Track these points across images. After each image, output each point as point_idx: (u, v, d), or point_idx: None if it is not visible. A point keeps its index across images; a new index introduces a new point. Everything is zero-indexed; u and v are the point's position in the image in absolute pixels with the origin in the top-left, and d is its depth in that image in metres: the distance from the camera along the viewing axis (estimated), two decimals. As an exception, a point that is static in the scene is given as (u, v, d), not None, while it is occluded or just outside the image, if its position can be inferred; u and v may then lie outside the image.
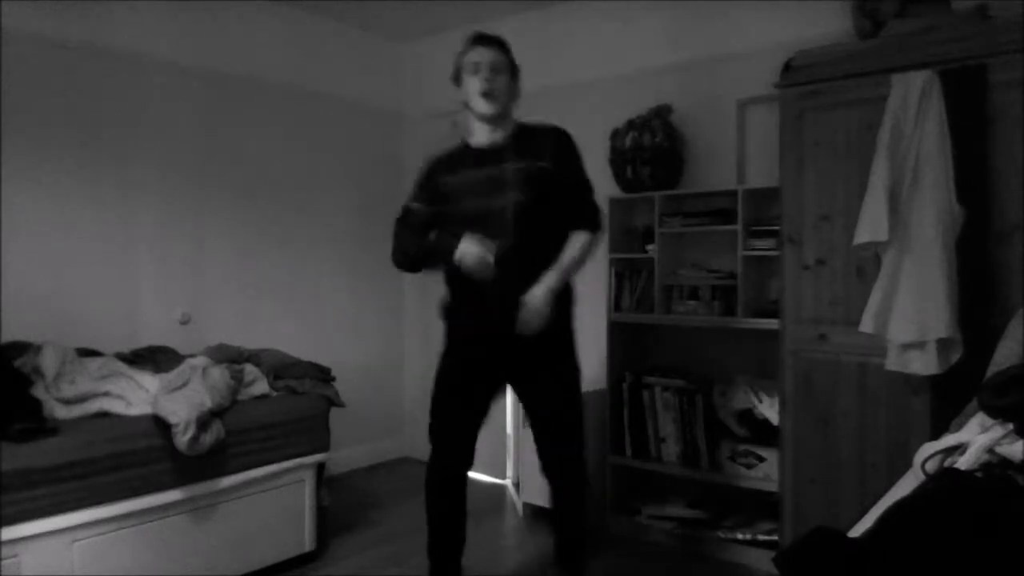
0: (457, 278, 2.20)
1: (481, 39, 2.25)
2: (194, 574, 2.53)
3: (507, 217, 2.14)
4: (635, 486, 3.35)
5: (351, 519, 3.42)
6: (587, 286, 2.08)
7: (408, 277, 4.57)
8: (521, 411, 3.80)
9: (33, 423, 2.26)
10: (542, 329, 2.12)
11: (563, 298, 2.23)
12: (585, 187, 2.28)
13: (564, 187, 2.21)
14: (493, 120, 2.22)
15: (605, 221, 2.30)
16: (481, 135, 2.26)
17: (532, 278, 2.13)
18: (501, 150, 2.21)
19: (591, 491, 2.40)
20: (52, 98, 3.06)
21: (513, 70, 2.27)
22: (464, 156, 2.26)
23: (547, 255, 2.19)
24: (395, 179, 4.53)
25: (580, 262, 2.22)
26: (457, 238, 2.12)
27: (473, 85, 2.20)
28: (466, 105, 2.25)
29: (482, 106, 2.19)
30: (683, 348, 3.39)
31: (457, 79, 2.27)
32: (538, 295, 2.10)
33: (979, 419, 1.40)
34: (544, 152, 2.20)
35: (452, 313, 2.32)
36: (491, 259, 2.07)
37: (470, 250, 2.09)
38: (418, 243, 2.27)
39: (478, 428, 2.32)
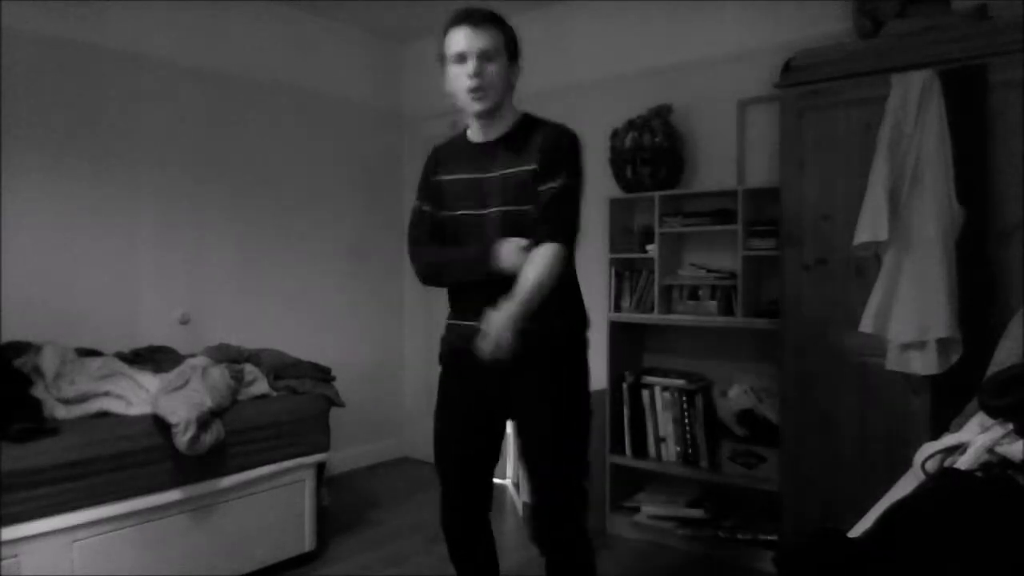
0: (461, 293, 1.96)
1: (467, 17, 1.83)
2: (194, 574, 2.53)
3: (491, 230, 1.86)
4: (635, 486, 3.35)
5: (351, 519, 3.42)
6: (587, 286, 2.06)
7: (408, 277, 4.58)
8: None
9: (33, 423, 2.26)
10: (512, 358, 1.71)
11: (570, 320, 1.94)
12: (566, 195, 1.83)
13: (541, 191, 1.82)
14: (486, 116, 1.88)
15: (577, 237, 1.88)
16: (476, 130, 1.94)
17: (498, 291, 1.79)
18: (493, 150, 1.89)
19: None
20: (52, 98, 3.06)
21: (511, 51, 1.87)
22: (461, 151, 1.97)
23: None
24: (395, 179, 4.53)
25: (542, 283, 1.76)
26: (487, 244, 1.83)
27: (460, 79, 1.83)
28: (453, 98, 1.90)
29: (472, 104, 1.84)
30: (683, 348, 3.39)
31: (441, 64, 1.90)
32: (495, 321, 1.69)
33: (979, 419, 1.40)
34: (533, 152, 1.85)
35: (447, 331, 2.03)
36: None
37: (510, 254, 1.79)
38: (448, 255, 1.94)
39: (492, 463, 2.01)
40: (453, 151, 2.00)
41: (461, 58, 1.82)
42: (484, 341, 1.69)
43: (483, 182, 1.89)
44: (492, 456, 2.00)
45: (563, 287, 1.85)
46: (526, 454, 1.96)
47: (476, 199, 1.89)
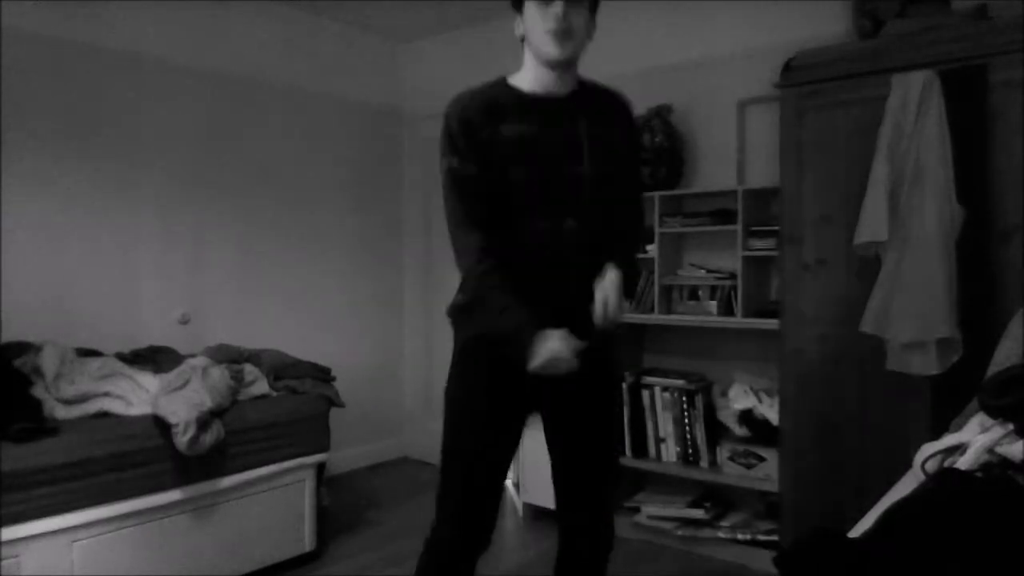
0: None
1: None
2: (194, 574, 2.53)
3: (581, 192, 1.68)
4: (635, 486, 3.35)
5: (351, 519, 3.42)
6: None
7: (408, 276, 4.58)
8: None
9: (33, 423, 2.26)
10: (607, 336, 1.65)
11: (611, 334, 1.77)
12: (640, 190, 1.89)
13: (624, 182, 1.78)
14: (560, 67, 1.67)
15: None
16: (541, 81, 1.70)
17: (594, 273, 1.64)
18: (570, 106, 1.71)
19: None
20: (52, 98, 3.06)
21: (594, 3, 1.71)
22: (522, 104, 1.69)
23: (605, 248, 1.71)
24: (395, 179, 4.53)
25: (631, 290, 1.74)
26: (530, 324, 1.57)
27: (543, 19, 1.63)
28: (522, 40, 1.71)
29: (552, 49, 1.63)
30: (683, 348, 3.39)
31: (518, 3, 1.69)
32: (614, 281, 1.59)
33: (979, 419, 1.40)
34: (617, 123, 1.77)
35: (476, 316, 1.71)
36: (575, 361, 1.56)
37: (558, 352, 1.54)
38: (490, 274, 1.64)
39: (508, 468, 1.80)
40: (504, 103, 1.69)
41: None
42: (604, 300, 1.57)
43: (571, 138, 1.68)
44: (514, 452, 1.82)
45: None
46: (576, 468, 1.79)
47: (559, 157, 1.68)
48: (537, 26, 1.64)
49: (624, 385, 3.27)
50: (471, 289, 1.67)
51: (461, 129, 1.66)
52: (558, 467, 1.82)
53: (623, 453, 3.26)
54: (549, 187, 1.67)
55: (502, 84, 1.73)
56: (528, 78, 1.71)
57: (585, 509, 1.81)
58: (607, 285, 1.59)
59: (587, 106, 1.73)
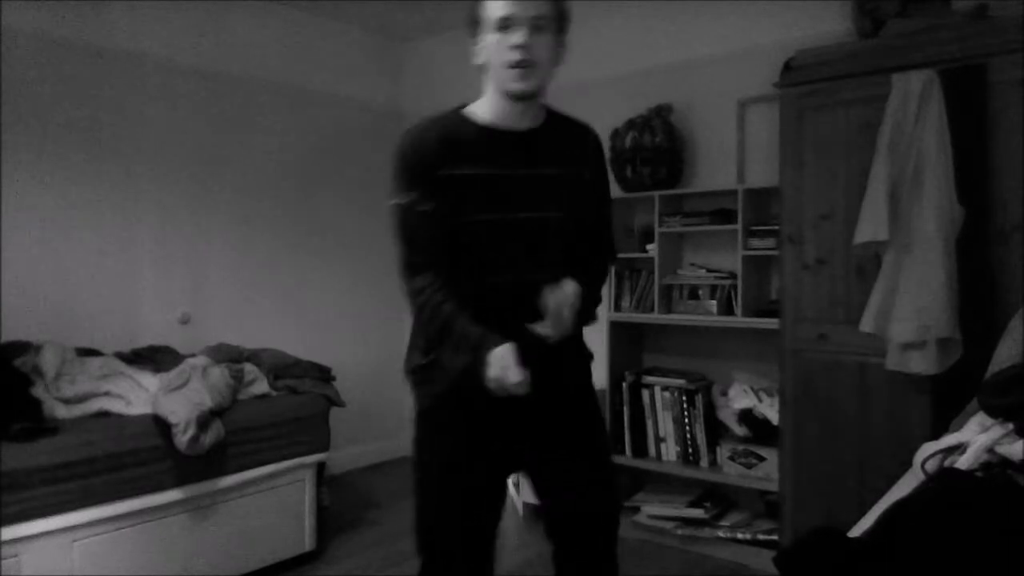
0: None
1: None
2: (194, 574, 2.53)
3: (545, 240, 1.55)
4: (635, 486, 3.35)
5: (351, 519, 3.42)
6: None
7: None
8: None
9: (33, 423, 2.26)
10: (566, 378, 1.57)
11: (582, 353, 1.68)
12: (608, 224, 1.72)
13: (594, 221, 1.65)
14: (523, 99, 1.50)
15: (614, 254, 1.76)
16: (502, 114, 1.53)
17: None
18: (534, 143, 1.55)
19: None
20: (52, 98, 3.06)
21: (561, 21, 1.51)
22: (481, 140, 1.53)
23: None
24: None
25: (598, 293, 1.65)
26: (485, 339, 1.42)
27: (500, 51, 1.46)
28: (483, 71, 1.53)
29: (513, 82, 1.46)
30: (683, 348, 3.39)
31: (473, 29, 1.52)
32: (573, 291, 1.47)
33: (979, 419, 1.40)
34: (583, 158, 1.61)
35: (437, 378, 1.54)
36: (526, 381, 1.39)
37: (507, 370, 1.38)
38: (442, 305, 1.49)
39: (495, 539, 1.62)
40: (465, 137, 1.53)
41: (505, 24, 1.45)
42: (554, 306, 1.43)
43: (535, 179, 1.53)
44: (500, 520, 1.63)
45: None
46: (571, 520, 1.60)
47: (516, 200, 1.51)
48: (496, 57, 1.47)
49: (624, 385, 3.27)
50: (428, 331, 1.51)
51: (417, 164, 1.51)
52: (552, 519, 1.63)
53: (623, 453, 3.26)
54: (511, 236, 1.52)
55: (459, 116, 1.56)
56: (488, 109, 1.54)
57: (586, 561, 1.61)
58: (565, 293, 1.45)
59: (553, 143, 1.56)
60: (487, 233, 1.51)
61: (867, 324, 2.38)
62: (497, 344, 1.41)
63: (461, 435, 1.55)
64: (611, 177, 3.31)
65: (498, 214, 1.51)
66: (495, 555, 1.62)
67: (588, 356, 1.69)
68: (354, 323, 4.31)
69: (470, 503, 1.55)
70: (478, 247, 1.51)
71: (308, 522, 2.90)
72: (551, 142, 1.56)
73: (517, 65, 1.45)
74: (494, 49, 1.48)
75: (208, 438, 2.46)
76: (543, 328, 1.46)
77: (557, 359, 1.53)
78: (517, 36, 1.44)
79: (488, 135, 1.53)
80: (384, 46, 4.49)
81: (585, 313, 1.55)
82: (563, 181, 1.56)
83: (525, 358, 1.40)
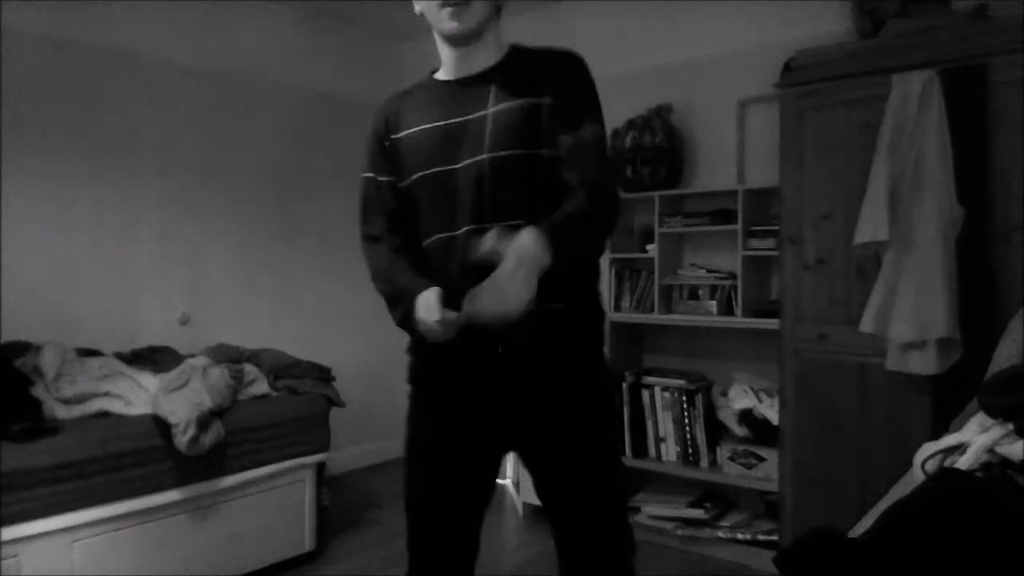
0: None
1: None
2: (194, 574, 2.53)
3: (475, 190, 1.36)
4: (635, 486, 3.35)
5: (351, 519, 3.42)
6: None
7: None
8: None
9: (33, 423, 2.26)
10: (531, 369, 1.35)
11: (588, 317, 1.45)
12: (603, 150, 1.41)
13: (565, 139, 1.36)
14: (463, 42, 1.40)
15: (619, 208, 1.47)
16: (449, 64, 1.46)
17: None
18: (474, 86, 1.41)
19: None
20: (52, 98, 3.06)
21: None
22: (426, 95, 1.47)
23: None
24: (395, 179, 4.53)
25: (591, 242, 1.37)
26: (414, 285, 1.36)
27: None
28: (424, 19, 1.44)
29: (446, 23, 1.37)
30: (683, 348, 3.39)
31: None
32: (521, 247, 1.19)
33: (979, 419, 1.40)
34: (541, 83, 1.38)
35: (421, 351, 1.47)
36: (453, 321, 1.26)
37: (429, 310, 1.29)
38: (388, 269, 1.47)
39: (481, 522, 1.50)
40: (415, 97, 1.50)
41: None
42: (485, 293, 1.16)
43: (466, 125, 1.38)
44: (487, 503, 1.51)
45: (591, 279, 1.46)
46: (567, 515, 1.46)
47: (453, 150, 1.38)
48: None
49: (624, 385, 3.27)
50: (377, 282, 1.48)
51: (371, 136, 1.52)
52: (554, 523, 1.48)
53: (624, 454, 3.26)
54: (447, 189, 1.38)
55: (425, 78, 1.53)
56: (443, 67, 1.47)
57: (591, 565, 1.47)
58: (515, 251, 1.18)
59: (505, 80, 1.39)
60: (425, 191, 1.41)
61: (867, 324, 2.38)
62: (425, 288, 1.33)
63: (434, 413, 1.47)
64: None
65: (431, 168, 1.40)
66: (478, 540, 1.50)
67: (588, 346, 1.46)
68: (354, 323, 4.31)
69: (443, 484, 1.45)
70: (420, 208, 1.43)
71: (308, 522, 2.90)
72: (503, 80, 1.40)
73: (446, 3, 1.34)
74: None
75: (208, 438, 2.46)
76: (469, 303, 1.17)
77: (537, 339, 1.32)
78: None
79: (434, 88, 1.47)
80: (384, 46, 4.49)
81: (562, 270, 1.24)
82: (508, 118, 1.35)
83: (496, 334, 1.26)
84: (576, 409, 1.41)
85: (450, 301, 1.29)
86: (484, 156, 1.35)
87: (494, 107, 1.37)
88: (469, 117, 1.39)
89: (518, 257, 1.18)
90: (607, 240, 1.43)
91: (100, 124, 3.22)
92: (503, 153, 1.35)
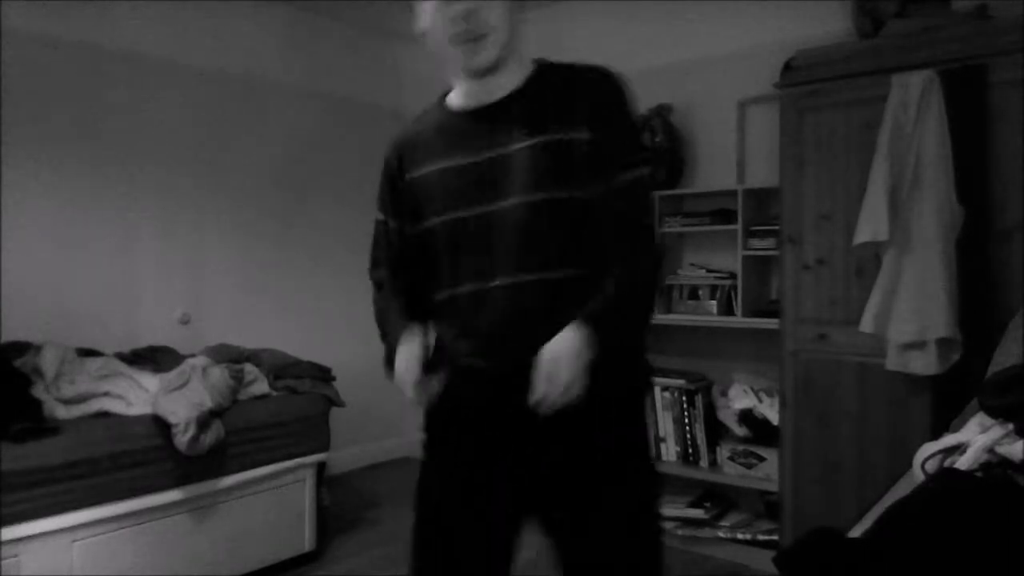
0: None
1: None
2: (194, 574, 2.53)
3: (508, 237, 1.21)
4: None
5: (351, 519, 3.42)
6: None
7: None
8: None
9: (33, 423, 2.26)
10: (578, 411, 1.12)
11: (629, 370, 1.29)
12: (640, 189, 1.24)
13: (607, 176, 1.20)
14: (482, 74, 1.24)
15: (662, 245, 1.42)
16: (465, 91, 1.29)
17: (532, 322, 1.20)
18: (500, 115, 1.24)
19: None
20: (52, 98, 3.06)
21: None
22: (441, 130, 1.30)
23: (586, 294, 1.19)
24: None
25: (640, 299, 1.25)
26: (396, 329, 1.29)
27: (444, 21, 1.20)
28: (424, 39, 1.28)
29: (461, 59, 1.22)
30: (683, 348, 3.39)
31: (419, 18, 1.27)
32: (561, 348, 1.11)
33: (979, 419, 1.40)
34: (578, 113, 1.21)
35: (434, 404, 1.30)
36: (428, 386, 1.22)
37: (404, 374, 1.22)
38: (385, 309, 1.41)
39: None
40: (428, 131, 1.32)
41: None
42: (542, 374, 1.10)
43: (493, 164, 1.22)
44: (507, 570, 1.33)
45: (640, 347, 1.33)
46: (580, 549, 1.27)
47: (480, 192, 1.22)
48: (439, 28, 1.21)
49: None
50: (378, 319, 1.40)
51: (383, 177, 1.39)
52: None
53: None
54: (469, 236, 1.23)
55: (437, 105, 1.35)
56: (460, 95, 1.30)
57: None
58: (554, 353, 1.11)
59: (533, 107, 1.23)
60: (445, 238, 1.26)
61: (867, 324, 2.38)
62: (404, 336, 1.22)
63: (453, 456, 1.31)
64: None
65: (451, 213, 1.25)
66: None
67: (639, 364, 1.32)
68: (354, 323, 4.29)
69: (461, 540, 1.27)
70: (439, 256, 1.28)
71: (308, 522, 2.90)
72: (531, 106, 1.23)
73: (461, 37, 1.19)
74: (434, 18, 1.21)
75: (208, 438, 2.45)
76: (532, 399, 1.12)
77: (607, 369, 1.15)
78: (458, 6, 1.17)
79: (449, 121, 1.30)
80: (384, 46, 4.49)
81: (612, 351, 1.14)
82: (545, 151, 1.20)
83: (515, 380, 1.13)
84: (613, 448, 1.25)
85: (477, 352, 1.23)
86: (515, 200, 1.20)
87: (521, 143, 1.21)
88: (493, 155, 1.23)
89: (569, 350, 1.11)
90: (655, 301, 1.33)
91: (100, 124, 3.22)
92: (537, 197, 1.19)
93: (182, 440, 2.37)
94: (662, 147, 3.23)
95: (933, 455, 1.40)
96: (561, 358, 1.10)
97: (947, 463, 1.36)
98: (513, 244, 1.21)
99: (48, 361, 2.58)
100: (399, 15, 4.10)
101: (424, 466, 1.36)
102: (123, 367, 2.70)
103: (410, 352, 1.21)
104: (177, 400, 2.45)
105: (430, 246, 1.29)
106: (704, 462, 3.11)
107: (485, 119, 1.26)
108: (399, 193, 1.34)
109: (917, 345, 2.30)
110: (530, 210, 1.20)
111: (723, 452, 3.04)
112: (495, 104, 1.25)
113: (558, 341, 1.12)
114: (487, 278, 1.22)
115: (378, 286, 1.47)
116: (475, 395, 1.25)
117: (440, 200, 1.27)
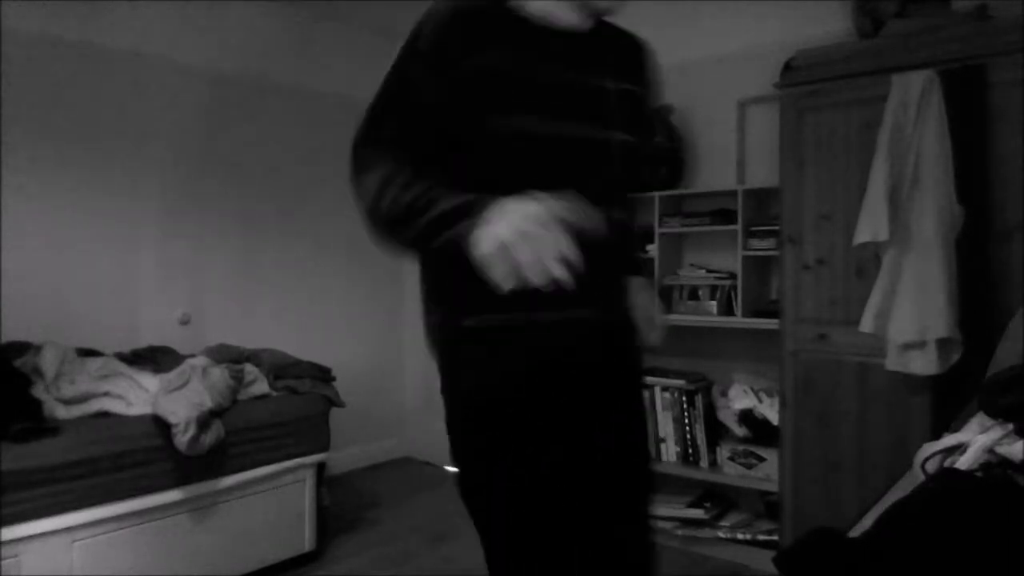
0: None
1: None
2: (194, 574, 2.53)
3: (616, 171, 1.21)
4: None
5: (351, 519, 3.42)
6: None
7: (409, 276, 4.58)
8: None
9: (33, 423, 2.26)
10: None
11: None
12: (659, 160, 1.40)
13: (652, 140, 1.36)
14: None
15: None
16: (553, 7, 1.18)
17: (622, 268, 1.29)
18: (586, 46, 1.21)
19: None
20: (52, 98, 3.06)
21: None
22: (535, 34, 1.17)
23: (633, 234, 1.39)
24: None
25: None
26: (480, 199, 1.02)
27: None
28: None
29: None
30: (683, 348, 3.39)
31: None
32: (649, 294, 1.34)
33: (979, 419, 1.40)
34: (637, 72, 1.30)
35: (534, 334, 1.13)
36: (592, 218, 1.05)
37: (535, 216, 0.95)
38: (420, 188, 1.07)
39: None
40: (511, 26, 1.16)
41: None
42: (653, 329, 1.34)
43: (600, 93, 1.20)
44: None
45: None
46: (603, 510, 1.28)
47: (586, 113, 1.17)
48: None
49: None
50: (412, 200, 1.06)
51: (434, 48, 1.15)
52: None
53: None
54: (564, 156, 1.14)
55: (499, 4, 1.17)
56: (539, 7, 1.17)
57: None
58: (648, 302, 1.32)
59: (607, 50, 1.25)
60: (528, 149, 1.11)
61: (867, 324, 2.38)
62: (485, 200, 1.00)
63: (569, 429, 1.16)
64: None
65: (579, 126, 1.15)
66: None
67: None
68: (354, 323, 4.31)
69: (591, 525, 1.21)
70: (523, 170, 1.09)
71: (308, 522, 2.90)
72: (605, 48, 1.24)
73: None
74: None
75: (208, 438, 2.45)
76: (649, 342, 1.34)
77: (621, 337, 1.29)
78: None
79: (538, 31, 1.16)
80: (384, 46, 4.48)
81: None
82: (626, 99, 1.23)
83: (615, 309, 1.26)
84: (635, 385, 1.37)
85: (584, 301, 1.14)
86: (620, 136, 1.20)
87: (614, 83, 1.21)
88: (600, 84, 1.19)
89: (655, 300, 1.38)
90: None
91: (100, 124, 3.22)
92: (626, 137, 1.22)
93: (182, 440, 2.37)
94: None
95: (933, 455, 1.40)
96: (652, 304, 1.33)
97: (947, 463, 1.36)
98: (617, 180, 1.24)
99: (48, 361, 2.58)
100: (399, 15, 4.10)
101: (517, 457, 1.12)
102: (123, 367, 2.70)
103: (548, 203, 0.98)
104: (177, 400, 2.45)
105: (512, 154, 1.11)
106: (704, 462, 3.11)
107: (571, 42, 1.19)
108: (462, 70, 1.11)
109: (917, 345, 2.30)
110: (625, 149, 1.22)
111: (723, 452, 3.04)
112: (574, 31, 1.20)
113: (642, 286, 1.32)
114: (599, 208, 1.10)
115: (374, 143, 1.17)
116: (586, 351, 1.19)
117: (549, 105, 1.13)
